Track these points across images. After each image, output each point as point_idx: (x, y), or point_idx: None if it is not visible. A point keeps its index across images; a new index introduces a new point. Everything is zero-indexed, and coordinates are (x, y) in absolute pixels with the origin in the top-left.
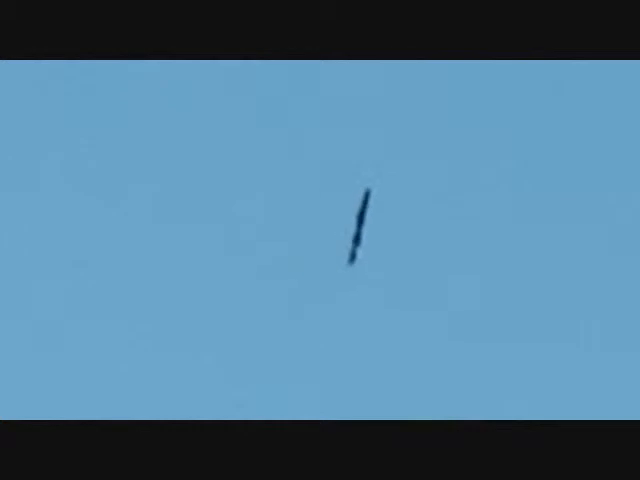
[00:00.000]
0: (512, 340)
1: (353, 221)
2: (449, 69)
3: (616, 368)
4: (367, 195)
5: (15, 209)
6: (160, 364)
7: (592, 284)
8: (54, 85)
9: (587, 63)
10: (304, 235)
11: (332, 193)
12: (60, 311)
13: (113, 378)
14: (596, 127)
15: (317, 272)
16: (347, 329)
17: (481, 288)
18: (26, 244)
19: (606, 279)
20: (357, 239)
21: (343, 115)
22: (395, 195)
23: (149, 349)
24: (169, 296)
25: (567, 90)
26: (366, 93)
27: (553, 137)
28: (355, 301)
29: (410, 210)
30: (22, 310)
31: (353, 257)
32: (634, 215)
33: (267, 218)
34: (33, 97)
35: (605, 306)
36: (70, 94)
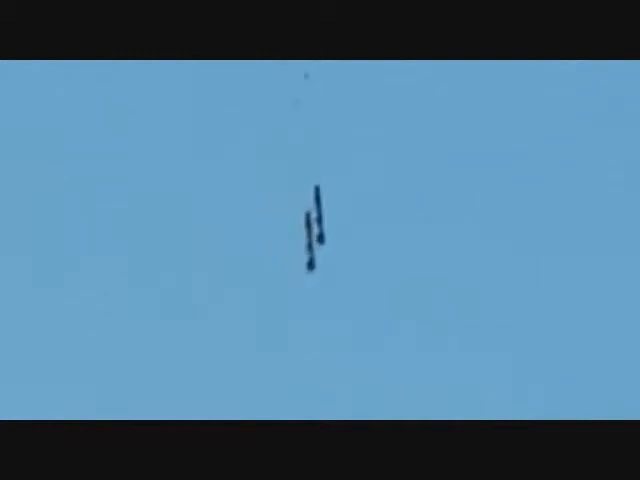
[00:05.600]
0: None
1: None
2: (449, 69)
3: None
4: (318, 192)
5: (15, 202)
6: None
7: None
8: (54, 85)
9: (586, 63)
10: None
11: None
12: (59, 312)
13: (112, 379)
14: (596, 126)
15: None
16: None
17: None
18: (22, 242)
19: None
20: (318, 240)
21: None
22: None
23: (147, 349)
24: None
25: (567, 90)
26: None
27: (552, 135)
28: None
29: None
30: (21, 312)
31: (311, 264)
32: (633, 214)
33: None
34: (33, 97)
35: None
36: (70, 94)
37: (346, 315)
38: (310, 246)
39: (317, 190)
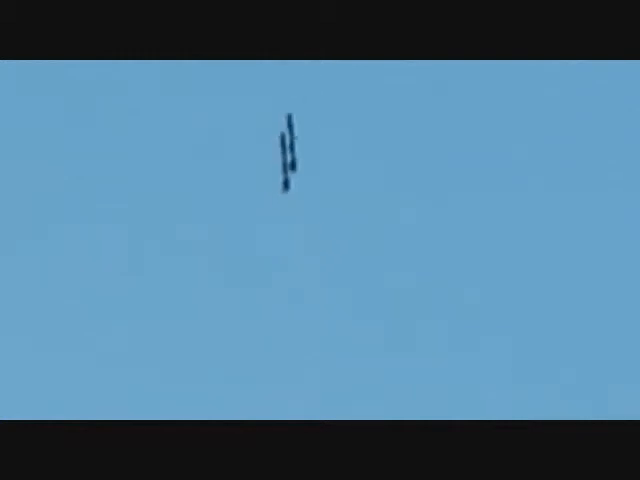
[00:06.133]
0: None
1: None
2: (449, 69)
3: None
4: (290, 120)
5: (14, 202)
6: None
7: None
8: (54, 85)
9: (586, 63)
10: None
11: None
12: (59, 314)
13: (111, 379)
14: (596, 126)
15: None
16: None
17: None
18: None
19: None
20: (290, 166)
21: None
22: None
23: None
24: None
25: (567, 90)
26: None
27: (552, 135)
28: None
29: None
30: (21, 314)
31: (286, 185)
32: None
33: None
34: (33, 97)
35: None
36: (70, 94)
37: (346, 315)
38: (285, 167)
39: (289, 118)
